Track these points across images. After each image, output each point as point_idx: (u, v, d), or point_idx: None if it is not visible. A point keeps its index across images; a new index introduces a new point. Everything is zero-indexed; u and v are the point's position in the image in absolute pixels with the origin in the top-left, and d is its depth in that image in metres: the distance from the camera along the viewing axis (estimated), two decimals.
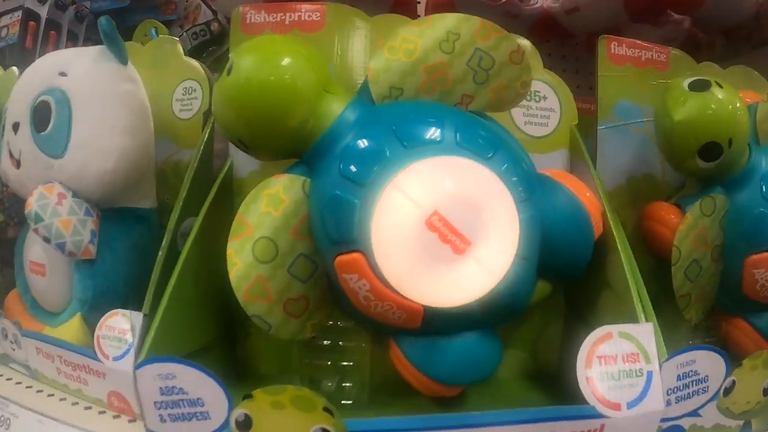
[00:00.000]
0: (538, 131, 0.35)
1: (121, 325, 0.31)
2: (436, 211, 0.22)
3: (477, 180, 0.23)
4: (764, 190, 0.34)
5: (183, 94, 0.37)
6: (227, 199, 0.34)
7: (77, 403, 0.34)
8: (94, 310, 0.34)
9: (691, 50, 0.69)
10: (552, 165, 0.34)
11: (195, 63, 0.38)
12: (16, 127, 0.35)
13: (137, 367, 0.24)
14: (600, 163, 0.36)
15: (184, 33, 0.61)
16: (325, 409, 0.22)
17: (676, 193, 0.38)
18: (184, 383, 0.24)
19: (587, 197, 0.29)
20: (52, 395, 0.35)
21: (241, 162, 0.34)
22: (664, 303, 0.34)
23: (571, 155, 0.35)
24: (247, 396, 0.23)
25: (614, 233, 0.30)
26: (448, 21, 0.26)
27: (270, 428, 0.23)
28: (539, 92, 0.34)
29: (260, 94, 0.24)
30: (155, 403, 0.24)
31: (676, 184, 0.38)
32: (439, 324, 0.25)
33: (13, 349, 0.38)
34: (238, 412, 0.23)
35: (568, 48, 0.64)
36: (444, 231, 0.22)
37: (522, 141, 0.32)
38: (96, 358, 0.31)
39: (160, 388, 0.24)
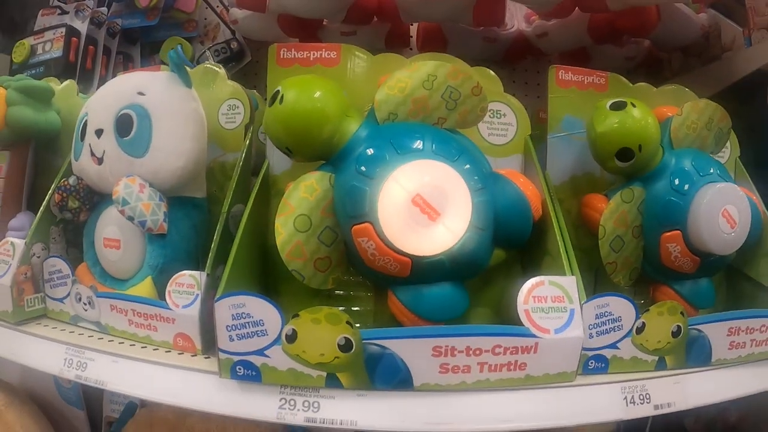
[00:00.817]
0: (499, 141, 0.50)
1: (188, 282, 0.45)
2: (419, 194, 0.37)
3: (445, 175, 0.38)
4: (675, 183, 0.47)
5: (228, 110, 0.52)
6: (265, 190, 0.49)
7: (146, 347, 0.47)
8: (161, 274, 0.47)
9: (654, 66, 0.84)
10: (510, 166, 0.49)
11: (237, 85, 0.53)
12: (99, 132, 0.49)
13: (216, 300, 0.38)
14: (550, 164, 0.51)
15: (207, 50, 0.75)
16: (347, 323, 0.37)
17: (609, 186, 0.51)
18: (250, 309, 0.38)
19: (530, 189, 0.44)
20: (122, 342, 0.48)
21: (276, 163, 0.49)
22: (605, 273, 0.47)
23: (525, 159, 0.50)
24: (295, 315, 0.37)
25: (553, 216, 0.45)
26: (429, 67, 0.41)
27: (309, 338, 0.37)
28: (500, 111, 0.49)
29: (302, 118, 0.39)
30: (227, 326, 0.38)
31: (610, 180, 0.52)
32: (422, 274, 0.39)
33: (85, 310, 0.51)
34: (288, 327, 0.38)
35: (543, 63, 0.78)
36: (423, 206, 0.37)
37: (486, 148, 0.47)
38: (167, 307, 0.45)
39: (232, 314, 0.38)
